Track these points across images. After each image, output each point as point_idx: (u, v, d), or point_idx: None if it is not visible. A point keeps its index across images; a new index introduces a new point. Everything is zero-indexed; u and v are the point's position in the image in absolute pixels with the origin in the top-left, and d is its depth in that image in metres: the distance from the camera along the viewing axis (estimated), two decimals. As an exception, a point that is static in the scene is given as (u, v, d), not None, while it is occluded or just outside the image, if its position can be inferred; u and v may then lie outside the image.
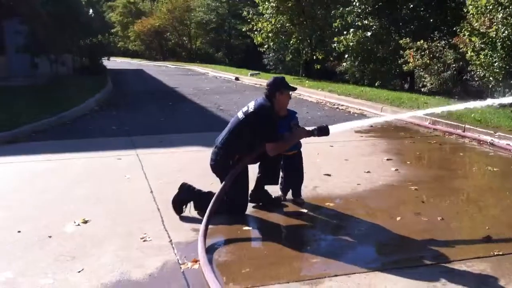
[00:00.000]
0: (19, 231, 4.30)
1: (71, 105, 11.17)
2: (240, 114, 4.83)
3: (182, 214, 4.67)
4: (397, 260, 3.78)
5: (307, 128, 4.89)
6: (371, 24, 17.38)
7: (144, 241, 4.09)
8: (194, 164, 6.47)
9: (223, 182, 4.55)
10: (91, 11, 28.53)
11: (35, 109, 10.43)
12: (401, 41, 15.26)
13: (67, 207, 4.93)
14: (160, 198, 5.14)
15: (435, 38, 14.90)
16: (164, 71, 29.45)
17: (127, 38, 51.75)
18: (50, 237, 4.18)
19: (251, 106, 4.82)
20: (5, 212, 4.79)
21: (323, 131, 4.82)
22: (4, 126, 8.44)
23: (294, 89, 4.93)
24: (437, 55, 14.38)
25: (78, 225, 4.45)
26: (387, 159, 6.85)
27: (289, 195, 5.16)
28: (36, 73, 17.61)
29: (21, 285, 3.39)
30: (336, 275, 3.46)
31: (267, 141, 4.65)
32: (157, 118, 10.89)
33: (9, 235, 4.23)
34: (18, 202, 5.15)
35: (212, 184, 5.06)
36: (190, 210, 4.70)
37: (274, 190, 5.08)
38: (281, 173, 5.09)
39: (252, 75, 21.76)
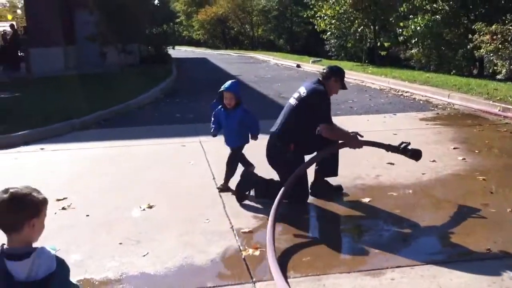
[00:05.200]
0: (87, 215, 4.50)
1: (137, 94, 11.50)
2: (293, 101, 4.80)
3: (243, 202, 4.72)
4: (463, 252, 3.66)
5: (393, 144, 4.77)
6: (440, 8, 16.72)
7: (206, 227, 4.18)
8: (255, 151, 6.49)
9: (294, 173, 4.46)
10: (156, 0, 29.17)
11: (104, 97, 10.82)
12: (474, 26, 14.55)
13: (133, 192, 5.10)
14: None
15: (506, 21, 14.15)
16: (227, 59, 29.71)
17: (191, 27, 52.55)
18: (116, 221, 4.35)
19: (302, 91, 4.78)
20: (75, 196, 5.01)
21: (416, 155, 4.71)
22: (76, 113, 8.82)
23: (345, 87, 4.93)
24: (509, 38, 13.65)
25: (143, 210, 4.60)
26: (454, 148, 6.61)
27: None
28: (104, 62, 18.23)
29: (89, 267, 3.54)
30: (399, 266, 3.40)
31: (324, 122, 4.64)
32: (219, 105, 11.01)
33: (77, 219, 4.44)
34: (88, 186, 5.38)
35: (273, 171, 5.09)
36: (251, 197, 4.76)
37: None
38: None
39: (313, 62, 21.56)
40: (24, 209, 1.88)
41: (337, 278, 3.27)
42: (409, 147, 4.67)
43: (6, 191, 1.88)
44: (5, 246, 1.88)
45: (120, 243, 3.90)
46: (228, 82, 5.08)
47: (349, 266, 3.45)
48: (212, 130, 5.17)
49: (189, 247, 3.81)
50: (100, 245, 3.90)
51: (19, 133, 7.49)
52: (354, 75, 15.47)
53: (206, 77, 17.85)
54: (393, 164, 5.86)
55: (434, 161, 5.96)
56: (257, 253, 3.67)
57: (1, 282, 1.79)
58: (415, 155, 4.71)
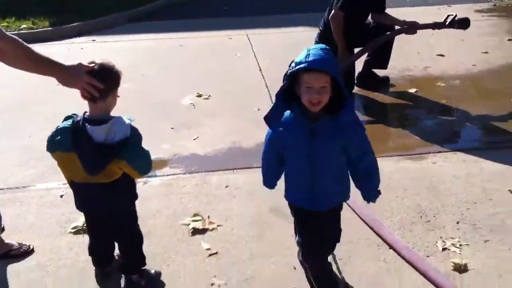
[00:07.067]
0: (142, 101, 4.69)
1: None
2: None
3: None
4: (505, 140, 3.70)
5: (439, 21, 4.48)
6: None
7: (255, 115, 4.30)
8: (301, 45, 6.43)
9: (341, 64, 4.38)
10: None
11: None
12: None
13: (184, 82, 5.26)
14: (268, 76, 5.27)
15: None
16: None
17: None
18: (168, 108, 4.55)
19: None
20: (129, 85, 5.17)
21: (463, 23, 4.42)
22: (123, 6, 8.85)
23: None
24: None
25: (194, 98, 4.77)
26: (508, 40, 6.36)
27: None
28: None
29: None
30: (440, 152, 3.49)
31: (336, 7, 4.35)
32: (267, -1, 10.76)
33: (132, 105, 4.60)
34: (141, 75, 5.52)
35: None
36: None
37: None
38: None
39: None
40: (112, 79, 2.11)
41: (379, 161, 3.36)
42: (456, 19, 4.39)
43: (93, 62, 2.11)
44: (86, 114, 2.10)
45: (172, 128, 4.11)
46: (309, 51, 1.87)
47: (391, 151, 3.56)
48: (264, 177, 2.14)
49: (238, 132, 3.98)
50: (154, 129, 4.11)
51: (72, 24, 7.65)
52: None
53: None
54: (443, 55, 5.75)
55: (486, 52, 5.80)
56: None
57: (83, 142, 2.03)
58: (463, 24, 4.42)
